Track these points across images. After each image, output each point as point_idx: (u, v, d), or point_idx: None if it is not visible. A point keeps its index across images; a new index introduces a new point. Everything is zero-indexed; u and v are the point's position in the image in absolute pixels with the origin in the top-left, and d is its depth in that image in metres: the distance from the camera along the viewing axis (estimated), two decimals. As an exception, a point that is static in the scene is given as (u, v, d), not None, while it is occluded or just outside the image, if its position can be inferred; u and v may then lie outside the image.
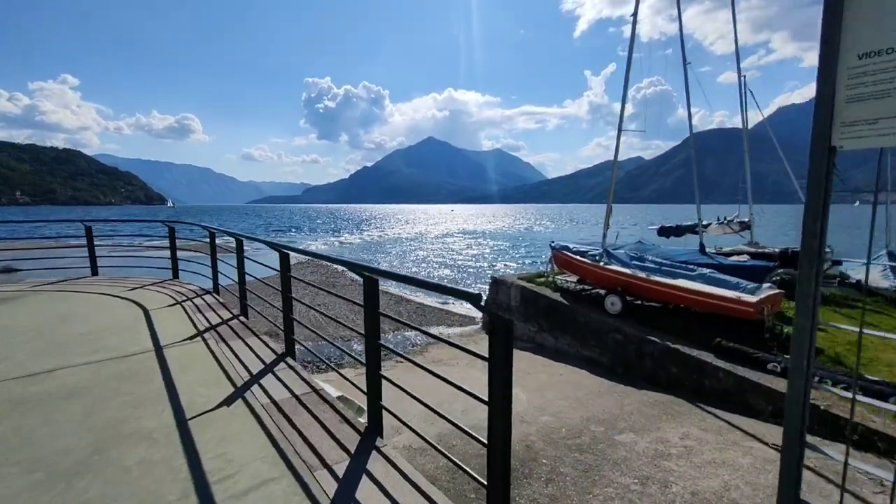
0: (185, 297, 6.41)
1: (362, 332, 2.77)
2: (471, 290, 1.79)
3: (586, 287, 11.16)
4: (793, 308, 6.94)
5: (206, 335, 4.65)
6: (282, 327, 4.19)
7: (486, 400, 1.91)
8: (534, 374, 8.82)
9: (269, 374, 3.63)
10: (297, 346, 4.16)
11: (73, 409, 3.02)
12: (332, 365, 3.70)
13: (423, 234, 61.51)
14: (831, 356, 6.82)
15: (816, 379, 5.83)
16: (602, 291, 10.30)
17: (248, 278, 5.59)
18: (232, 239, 5.57)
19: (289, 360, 3.97)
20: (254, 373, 3.66)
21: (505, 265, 29.36)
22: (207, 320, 5.25)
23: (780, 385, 6.04)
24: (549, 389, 7.95)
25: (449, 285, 1.93)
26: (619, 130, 10.93)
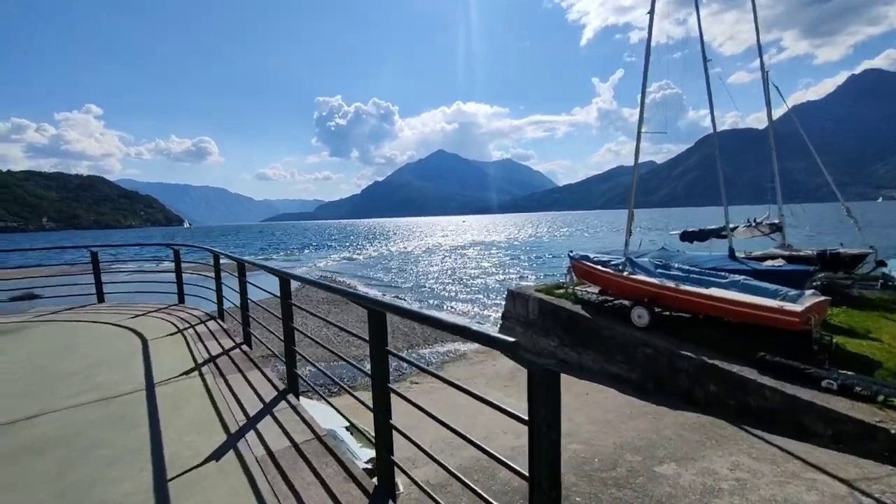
0: (187, 325, 6.10)
1: (369, 371, 2.36)
2: (504, 337, 1.38)
3: (609, 298, 10.59)
4: (838, 316, 6.25)
5: (205, 368, 4.29)
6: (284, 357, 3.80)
7: (526, 475, 1.46)
8: (558, 394, 8.25)
9: (268, 416, 3.23)
10: (302, 376, 3.76)
11: (45, 466, 2.66)
12: (338, 409, 3.26)
13: (436, 246, 61.22)
14: (892, 369, 6.14)
15: (881, 398, 5.19)
16: (627, 303, 9.72)
17: (254, 301, 5.25)
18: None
19: (290, 397, 3.57)
20: (251, 415, 3.27)
21: (520, 276, 28.77)
22: (208, 350, 4.90)
23: (840, 405, 5.41)
24: (575, 412, 7.38)
25: (475, 328, 1.51)
26: (639, 132, 10.44)
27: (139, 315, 6.86)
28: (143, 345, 5.14)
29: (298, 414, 3.27)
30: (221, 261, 6.31)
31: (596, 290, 11.11)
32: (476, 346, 13.18)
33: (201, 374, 4.12)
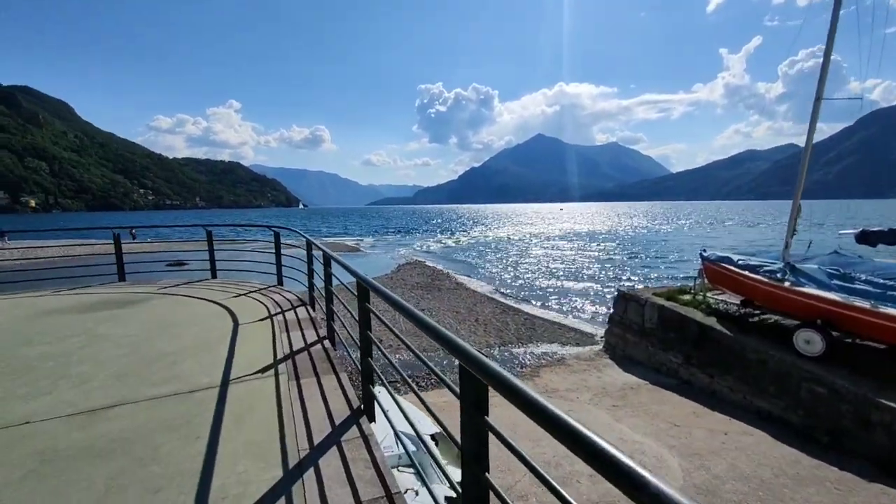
0: (278, 309, 5.98)
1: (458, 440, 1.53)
2: None
3: (756, 312, 8.49)
4: None
5: (282, 366, 3.91)
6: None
7: None
8: (684, 427, 6.72)
9: (333, 448, 2.62)
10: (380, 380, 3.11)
11: (96, 477, 2.35)
12: (406, 419, 2.50)
13: (531, 235, 59.07)
14: None
15: None
16: (787, 321, 7.65)
17: (336, 296, 4.82)
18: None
19: (363, 422, 2.94)
20: (315, 442, 2.69)
21: (622, 274, 25.97)
22: (290, 343, 4.58)
23: None
24: (711, 456, 5.85)
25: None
26: (817, 100, 7.98)
27: (240, 294, 7.01)
28: (234, 330, 5.03)
29: (369, 452, 2.60)
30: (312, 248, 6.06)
31: (735, 299, 9.01)
32: (576, 349, 11.82)
33: (276, 374, 3.74)
